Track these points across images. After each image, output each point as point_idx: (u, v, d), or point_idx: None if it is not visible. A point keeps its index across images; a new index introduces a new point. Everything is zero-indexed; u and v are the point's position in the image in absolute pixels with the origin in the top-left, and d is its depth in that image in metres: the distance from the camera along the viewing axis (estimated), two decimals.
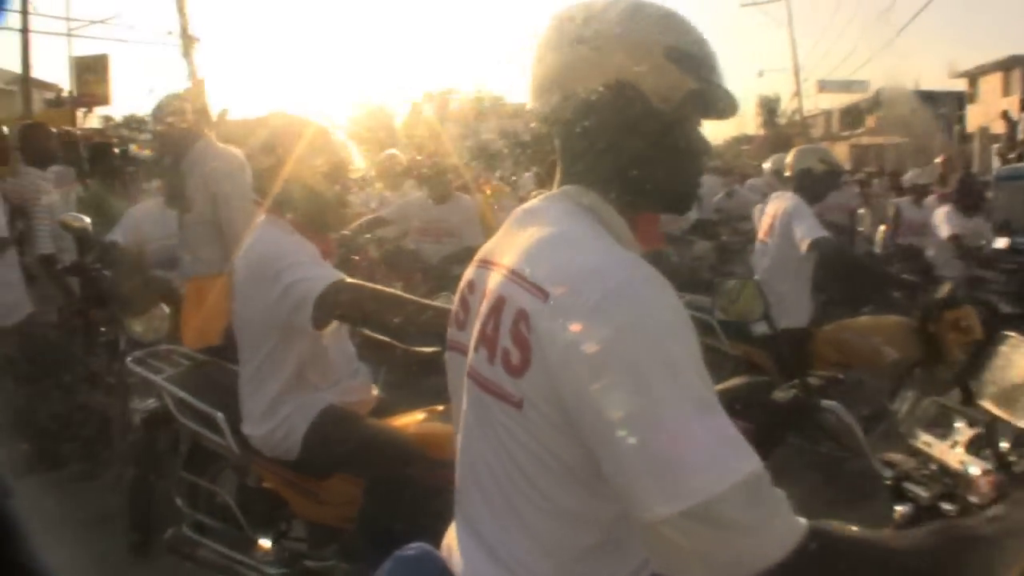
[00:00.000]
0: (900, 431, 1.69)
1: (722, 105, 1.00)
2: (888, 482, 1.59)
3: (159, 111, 3.41)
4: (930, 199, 6.33)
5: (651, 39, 0.94)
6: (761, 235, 3.96)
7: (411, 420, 2.27)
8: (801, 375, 1.90)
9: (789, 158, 3.94)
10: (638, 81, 0.94)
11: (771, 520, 0.80)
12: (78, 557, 3.01)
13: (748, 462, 0.80)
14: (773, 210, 3.84)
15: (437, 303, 2.13)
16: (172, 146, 3.34)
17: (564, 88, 0.96)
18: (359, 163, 2.35)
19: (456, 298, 1.09)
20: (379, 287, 2.19)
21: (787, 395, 1.80)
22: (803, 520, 0.82)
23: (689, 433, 0.79)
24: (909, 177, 7.07)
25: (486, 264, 1.03)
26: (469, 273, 1.07)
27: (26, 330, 4.00)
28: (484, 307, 0.96)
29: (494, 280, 0.97)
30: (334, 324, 2.14)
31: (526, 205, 1.05)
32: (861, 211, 8.43)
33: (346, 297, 2.01)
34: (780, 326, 3.64)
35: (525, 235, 0.97)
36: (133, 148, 4.88)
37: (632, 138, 0.96)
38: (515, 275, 0.92)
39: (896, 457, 1.63)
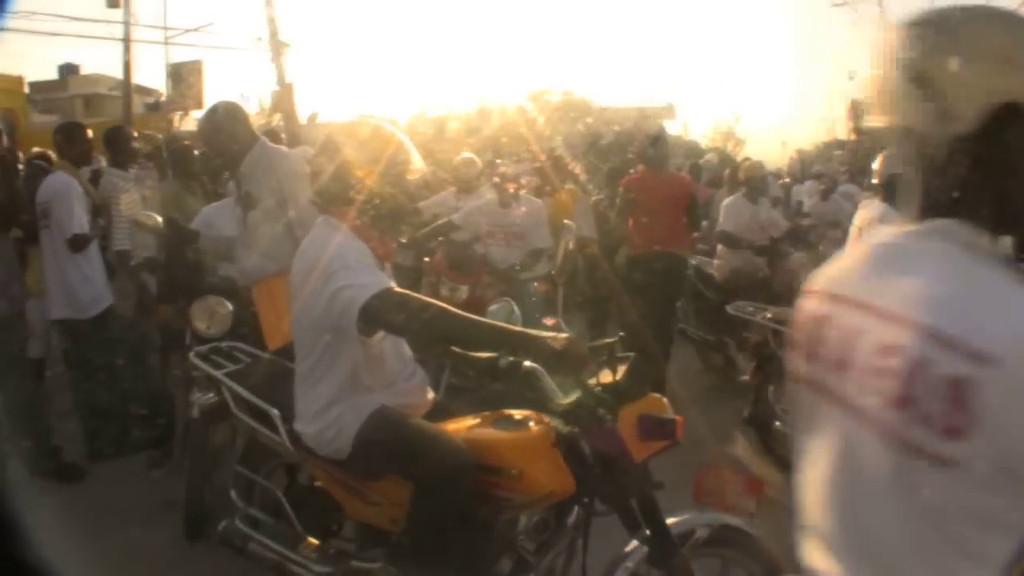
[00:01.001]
0: None
1: None
2: None
3: (203, 127, 3.44)
4: None
5: None
6: (849, 247, 3.74)
7: (464, 425, 2.24)
8: None
9: (876, 164, 3.70)
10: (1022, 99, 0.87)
11: None
12: (138, 541, 3.13)
13: None
14: (860, 220, 3.62)
15: (477, 317, 2.10)
16: (225, 154, 3.35)
17: (935, 106, 0.89)
18: (419, 164, 2.34)
19: (798, 326, 1.05)
20: (424, 298, 2.17)
21: None
22: None
23: None
24: None
25: (844, 302, 0.98)
26: (816, 305, 1.02)
27: (104, 323, 4.18)
28: (877, 361, 0.91)
29: (881, 330, 0.92)
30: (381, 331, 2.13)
31: (883, 239, 0.98)
32: None
33: (391, 307, 2.00)
34: None
35: (906, 280, 0.92)
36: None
37: (1016, 164, 0.89)
38: (933, 336, 0.86)
39: None
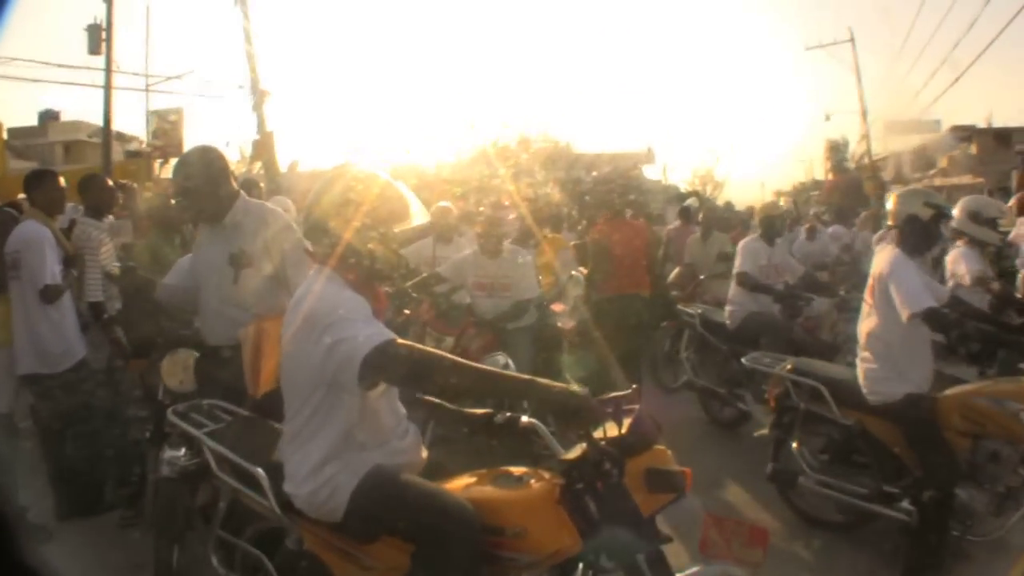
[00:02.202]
0: None
1: None
2: None
3: (182, 180, 3.17)
4: None
5: None
6: (866, 295, 3.58)
7: (462, 483, 2.15)
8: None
9: (891, 204, 3.55)
10: None
11: None
12: None
13: None
14: (874, 267, 3.49)
15: (485, 366, 2.03)
16: (205, 208, 3.18)
17: None
18: (421, 217, 2.28)
19: None
20: (429, 349, 2.09)
21: None
22: None
23: None
24: None
25: None
26: None
27: (74, 377, 4.01)
28: None
29: None
30: (382, 384, 2.05)
31: None
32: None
33: (394, 359, 1.93)
34: (899, 393, 3.40)
35: None
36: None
37: None
38: None
39: None
